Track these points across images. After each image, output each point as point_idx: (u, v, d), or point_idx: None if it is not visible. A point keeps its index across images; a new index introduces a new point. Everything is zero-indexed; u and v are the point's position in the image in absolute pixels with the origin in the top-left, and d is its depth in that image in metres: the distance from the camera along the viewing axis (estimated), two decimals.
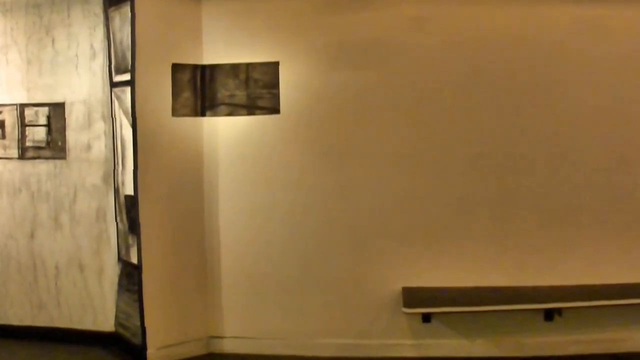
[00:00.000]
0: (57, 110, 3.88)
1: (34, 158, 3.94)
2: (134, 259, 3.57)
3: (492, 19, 3.54)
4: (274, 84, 3.60)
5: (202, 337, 3.73)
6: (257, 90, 3.61)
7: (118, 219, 3.75)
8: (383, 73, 3.54)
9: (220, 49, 3.66)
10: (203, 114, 3.68)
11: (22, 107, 3.96)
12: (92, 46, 3.79)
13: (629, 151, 3.59)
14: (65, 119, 3.87)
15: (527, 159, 3.57)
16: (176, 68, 3.61)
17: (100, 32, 3.82)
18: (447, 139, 3.56)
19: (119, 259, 3.77)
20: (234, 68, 3.63)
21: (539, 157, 3.56)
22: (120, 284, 3.76)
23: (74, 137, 3.86)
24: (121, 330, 3.82)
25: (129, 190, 3.59)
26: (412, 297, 3.48)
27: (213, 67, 3.66)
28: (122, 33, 3.59)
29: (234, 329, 3.73)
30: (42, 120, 3.93)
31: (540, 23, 3.54)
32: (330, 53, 3.57)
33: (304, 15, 3.59)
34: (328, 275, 3.61)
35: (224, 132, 3.66)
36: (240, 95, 3.63)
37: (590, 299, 3.44)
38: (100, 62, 3.82)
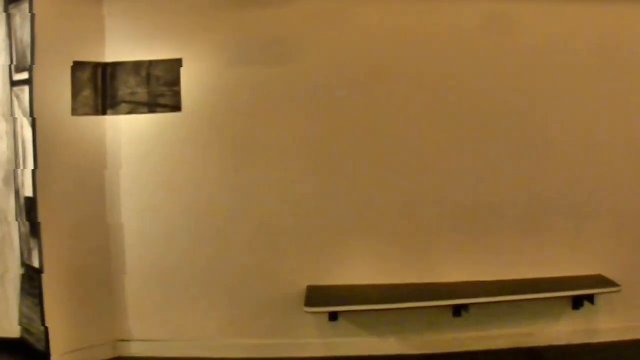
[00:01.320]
0: None
1: None
2: (36, 263, 3.47)
3: (399, 14, 3.53)
4: (176, 82, 3.54)
5: (108, 341, 3.64)
6: (158, 88, 3.55)
7: (20, 221, 3.65)
8: (287, 70, 3.50)
9: (122, 46, 3.59)
10: (104, 113, 3.60)
11: None
12: None
13: (538, 146, 3.58)
14: None
15: (434, 156, 3.54)
16: (76, 66, 3.52)
17: (2, 30, 3.71)
18: (353, 136, 3.52)
19: (22, 262, 3.66)
20: (136, 65, 3.56)
21: (445, 154, 3.54)
22: (23, 289, 3.65)
23: None
24: (26, 336, 3.71)
25: (28, 191, 3.49)
26: (317, 296, 3.43)
27: (115, 65, 3.59)
28: (23, 31, 3.49)
29: (141, 331, 3.64)
30: None
31: (449, 18, 3.54)
32: (234, 50, 3.52)
33: (207, 12, 3.54)
34: (233, 275, 3.55)
35: (127, 130, 3.58)
36: (142, 93, 3.56)
37: (497, 295, 3.43)
38: (2, 61, 3.71)
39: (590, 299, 3.52)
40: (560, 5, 3.54)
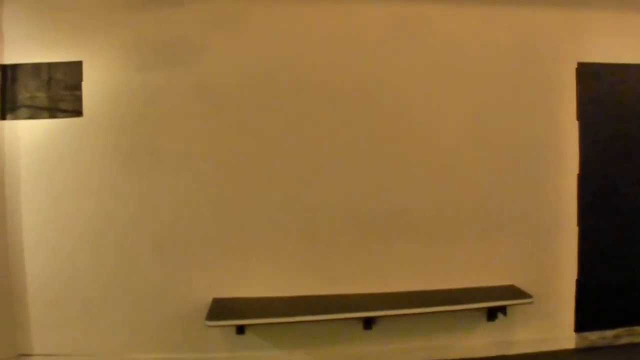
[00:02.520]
0: None
1: None
2: None
3: (306, 16, 3.44)
4: (77, 85, 3.39)
5: (10, 356, 3.48)
6: (59, 91, 3.40)
7: None
8: (188, 73, 3.38)
9: (22, 47, 3.42)
10: (3, 117, 3.44)
11: None
12: None
13: (448, 153, 3.51)
14: None
15: (340, 164, 3.45)
16: None
17: None
18: (256, 142, 3.42)
19: None
20: (36, 68, 3.41)
21: (352, 162, 3.45)
22: None
23: None
24: None
25: None
26: (222, 308, 3.31)
27: (14, 67, 3.43)
28: None
29: (44, 346, 3.49)
30: None
31: (357, 21, 3.46)
32: (135, 52, 3.38)
33: (109, 13, 3.40)
34: (137, 287, 3.42)
35: (26, 136, 3.42)
36: (42, 97, 3.41)
37: (406, 307, 3.35)
38: None
39: (503, 310, 3.45)
40: (467, 9, 3.49)
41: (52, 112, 3.42)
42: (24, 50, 3.43)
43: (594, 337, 3.68)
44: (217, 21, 3.39)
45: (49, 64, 3.41)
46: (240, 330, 3.35)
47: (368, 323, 3.41)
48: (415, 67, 3.46)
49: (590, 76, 3.60)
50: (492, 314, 3.51)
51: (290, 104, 3.40)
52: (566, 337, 3.66)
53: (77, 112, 3.40)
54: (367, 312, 3.36)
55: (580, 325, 3.67)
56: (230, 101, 3.39)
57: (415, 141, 3.49)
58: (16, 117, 3.44)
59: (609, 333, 3.69)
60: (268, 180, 3.40)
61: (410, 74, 3.47)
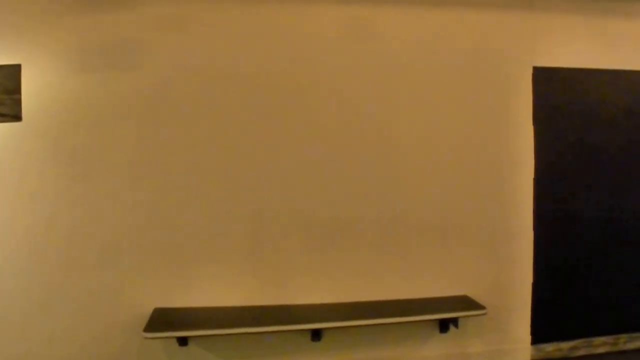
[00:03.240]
0: None
1: None
2: None
3: (255, 17, 3.33)
4: (16, 89, 3.29)
5: None
6: None
7: None
8: (134, 76, 3.28)
9: None
10: None
11: None
12: None
13: (399, 160, 3.42)
14: None
15: (291, 170, 3.35)
16: None
17: None
18: (203, 146, 3.31)
19: None
20: None
21: (303, 168, 3.35)
22: None
23: None
24: None
25: None
26: (163, 319, 3.20)
27: None
28: None
29: None
30: None
31: (310, 22, 3.36)
32: (78, 55, 3.27)
33: (50, 14, 3.28)
34: (77, 296, 3.29)
35: None
36: None
37: (356, 318, 3.25)
38: None
39: (455, 322, 3.35)
40: (423, 12, 3.41)
41: None
42: None
43: (551, 348, 3.59)
44: (160, 23, 3.29)
45: None
46: (183, 341, 3.25)
47: (316, 334, 3.31)
48: (369, 70, 3.37)
49: (546, 81, 3.52)
50: (444, 326, 3.41)
51: (237, 106, 3.30)
52: (522, 349, 3.56)
53: (16, 117, 3.30)
54: (316, 324, 3.25)
55: (537, 337, 3.57)
56: (175, 104, 3.29)
57: (367, 147, 3.39)
58: None
59: (565, 345, 3.59)
60: (214, 186, 3.30)
61: (364, 77, 3.38)
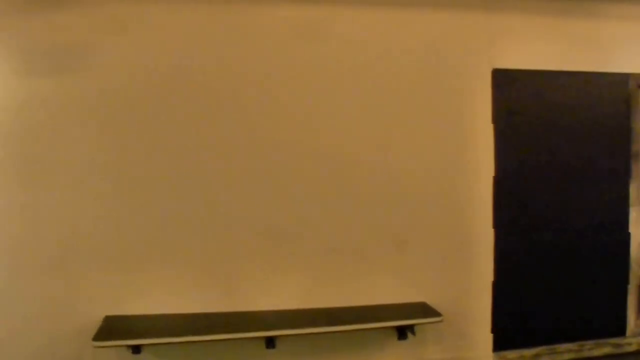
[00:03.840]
0: None
1: None
2: None
3: (205, 18, 3.28)
4: None
5: None
6: None
7: None
8: (78, 79, 3.21)
9: None
10: None
11: None
12: None
13: (355, 163, 3.36)
14: None
15: (242, 173, 3.30)
16: None
17: None
18: (149, 151, 3.25)
19: None
20: None
21: (254, 171, 3.30)
22: None
23: None
24: None
25: None
26: (114, 327, 3.16)
27: None
28: None
29: None
30: None
31: (259, 23, 3.30)
32: (22, 58, 3.22)
33: None
34: (22, 305, 3.22)
35: None
36: None
37: (312, 325, 3.20)
38: None
39: (411, 329, 3.29)
40: (377, 12, 3.35)
41: None
42: None
43: (513, 356, 3.51)
44: (108, 25, 3.23)
45: None
46: (137, 350, 3.19)
47: (271, 342, 3.25)
48: (321, 72, 3.32)
49: (505, 83, 3.45)
50: (402, 333, 3.34)
51: (187, 110, 3.25)
52: (483, 357, 3.50)
53: None
54: (270, 331, 3.19)
55: (498, 344, 3.50)
56: (123, 107, 3.24)
57: (320, 150, 3.34)
58: None
59: (528, 352, 3.52)
60: (164, 191, 3.25)
61: (316, 80, 3.32)
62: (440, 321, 3.23)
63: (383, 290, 3.41)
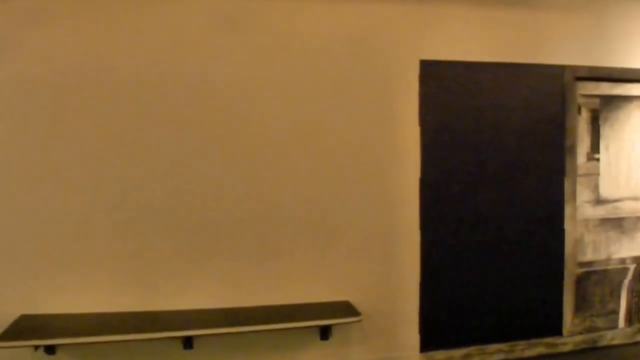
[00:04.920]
0: None
1: None
2: None
3: (125, 11, 3.18)
4: None
5: None
6: None
7: None
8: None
9: None
10: None
11: None
12: None
13: (269, 156, 3.26)
14: None
15: (157, 172, 3.21)
16: None
17: None
18: (65, 149, 3.17)
19: None
20: None
21: (170, 170, 3.21)
22: None
23: None
24: None
25: None
26: (27, 327, 3.09)
27: None
28: None
29: None
30: None
31: (180, 14, 3.20)
32: None
33: None
34: None
35: None
36: None
37: (230, 324, 3.11)
38: None
39: (330, 329, 3.21)
40: (300, 2, 3.23)
41: None
42: None
43: (441, 356, 3.42)
44: (28, 17, 3.14)
45: None
46: (51, 350, 3.13)
47: (188, 342, 3.18)
48: (243, 64, 3.21)
49: (434, 75, 3.34)
50: (324, 333, 3.26)
51: (107, 106, 3.15)
52: (410, 357, 3.41)
53: None
54: (187, 331, 3.12)
55: (426, 344, 3.41)
56: (41, 102, 3.14)
57: (241, 147, 3.24)
58: None
59: (457, 352, 3.43)
60: (80, 189, 3.16)
61: (236, 71, 3.22)
62: (359, 321, 3.15)
63: (306, 289, 3.32)
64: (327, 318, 3.19)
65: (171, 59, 3.19)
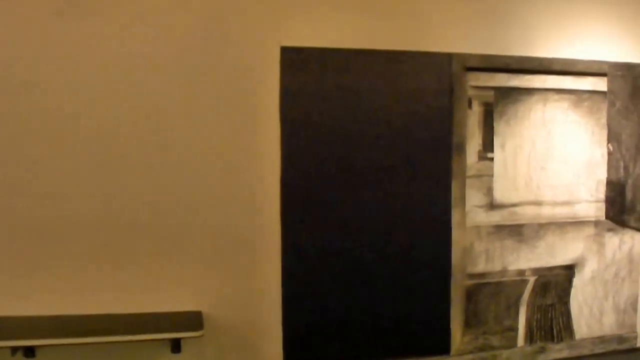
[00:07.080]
0: None
1: None
2: None
3: None
4: None
5: None
6: None
7: None
8: None
9: None
10: None
11: None
12: None
13: (111, 151, 2.97)
14: None
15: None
16: None
17: None
18: None
19: None
20: None
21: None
22: None
23: None
24: None
25: None
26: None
27: None
28: None
29: None
30: None
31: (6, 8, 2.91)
32: None
33: None
34: None
35: None
36: None
37: (68, 335, 2.86)
38: None
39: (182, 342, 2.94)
40: None
41: None
42: None
43: None
44: None
45: None
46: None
47: (30, 351, 2.93)
48: (73, 56, 2.91)
49: (297, 63, 3.00)
50: (177, 346, 2.99)
51: None
52: None
53: None
54: (21, 341, 2.88)
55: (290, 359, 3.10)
56: None
57: (82, 141, 2.95)
58: None
59: None
60: None
61: (68, 64, 2.91)
62: (200, 336, 2.86)
63: (157, 298, 3.04)
64: (167, 331, 2.92)
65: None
